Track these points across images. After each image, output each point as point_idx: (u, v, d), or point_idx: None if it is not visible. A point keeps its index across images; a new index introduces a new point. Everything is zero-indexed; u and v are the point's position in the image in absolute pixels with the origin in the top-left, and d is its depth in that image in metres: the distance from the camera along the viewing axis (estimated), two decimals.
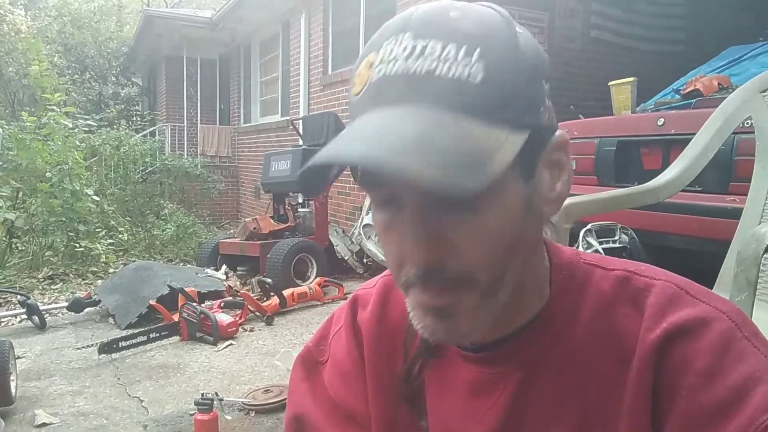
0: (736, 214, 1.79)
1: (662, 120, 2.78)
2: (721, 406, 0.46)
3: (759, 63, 3.20)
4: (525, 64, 0.48)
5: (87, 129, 7.81)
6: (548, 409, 0.55)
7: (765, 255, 1.01)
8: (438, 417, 0.62)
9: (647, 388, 0.50)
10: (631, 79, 3.31)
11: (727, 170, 2.41)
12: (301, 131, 5.91)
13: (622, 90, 3.35)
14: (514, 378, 0.57)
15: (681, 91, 3.29)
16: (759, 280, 1.01)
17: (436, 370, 0.63)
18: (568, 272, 0.58)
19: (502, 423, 0.57)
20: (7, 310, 4.40)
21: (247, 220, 5.56)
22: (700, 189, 2.48)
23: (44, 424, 2.49)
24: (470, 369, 0.60)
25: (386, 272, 0.70)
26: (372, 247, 5.04)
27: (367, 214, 5.24)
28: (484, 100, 0.45)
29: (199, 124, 11.65)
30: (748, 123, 1.76)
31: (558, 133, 0.53)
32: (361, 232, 5.15)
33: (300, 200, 5.92)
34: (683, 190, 1.76)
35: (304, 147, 5.37)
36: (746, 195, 1.66)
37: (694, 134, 1.78)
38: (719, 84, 3.06)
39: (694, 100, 2.99)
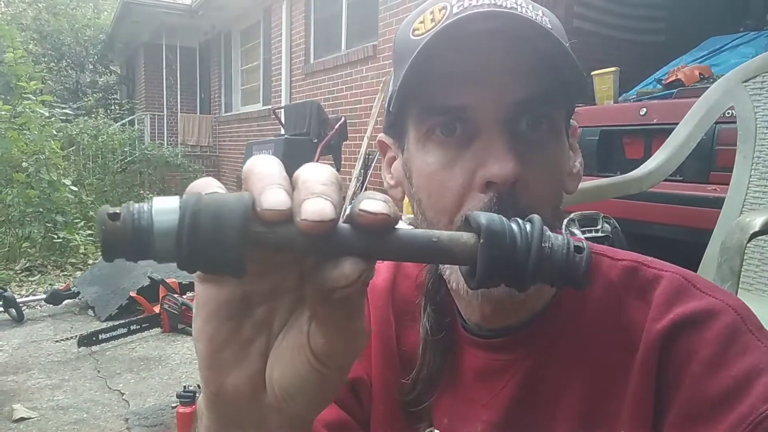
0: (716, 203, 1.80)
1: (644, 110, 2.79)
2: (723, 395, 0.47)
3: (739, 53, 3.23)
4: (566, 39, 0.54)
5: (64, 118, 7.66)
6: (555, 395, 0.56)
7: (748, 245, 1.02)
8: (440, 400, 0.62)
9: (651, 377, 0.51)
10: (613, 69, 3.33)
11: (708, 160, 2.43)
12: (283, 120, 5.86)
13: (604, 80, 3.37)
14: (525, 364, 0.57)
15: (663, 81, 3.30)
16: (743, 270, 1.02)
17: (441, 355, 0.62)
18: None
19: (510, 408, 0.58)
20: None
21: None
22: (681, 178, 2.50)
23: (23, 419, 2.45)
24: (478, 355, 0.60)
25: None
26: None
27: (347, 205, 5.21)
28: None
29: (179, 113, 11.49)
30: (729, 113, 1.77)
31: (572, 121, 0.58)
32: None
33: None
34: (664, 180, 1.77)
35: (286, 136, 5.31)
36: (727, 184, 1.68)
37: (676, 124, 1.79)
38: (700, 74, 3.08)
39: (676, 90, 3.00)
